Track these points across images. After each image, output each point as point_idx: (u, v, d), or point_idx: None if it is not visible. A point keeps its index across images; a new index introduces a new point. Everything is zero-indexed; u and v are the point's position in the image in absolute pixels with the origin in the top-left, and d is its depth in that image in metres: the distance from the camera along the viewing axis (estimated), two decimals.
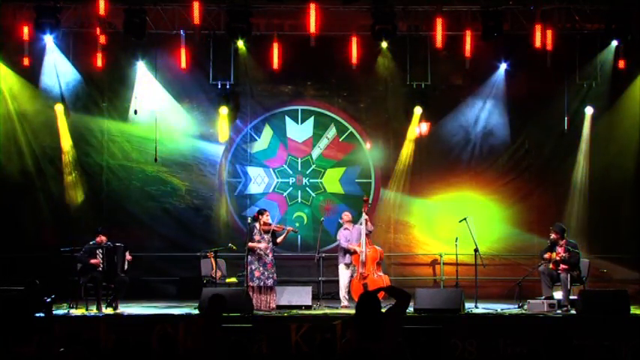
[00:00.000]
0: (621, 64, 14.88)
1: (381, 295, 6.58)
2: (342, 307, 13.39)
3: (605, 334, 10.97)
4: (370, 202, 15.81)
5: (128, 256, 13.10)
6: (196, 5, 13.95)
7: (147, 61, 15.57)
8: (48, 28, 14.17)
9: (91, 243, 12.96)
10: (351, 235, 13.68)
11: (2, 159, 15.56)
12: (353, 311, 12.73)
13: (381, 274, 13.55)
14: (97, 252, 12.79)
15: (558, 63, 14.84)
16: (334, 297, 14.35)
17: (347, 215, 13.92)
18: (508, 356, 10.77)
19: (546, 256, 12.96)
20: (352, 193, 16.05)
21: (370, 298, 6.47)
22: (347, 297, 13.56)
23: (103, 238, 12.92)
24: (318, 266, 14.28)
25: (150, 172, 16.05)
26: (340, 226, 13.93)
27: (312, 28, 14.11)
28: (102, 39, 14.40)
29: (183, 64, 14.97)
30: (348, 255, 13.60)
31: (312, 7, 14.00)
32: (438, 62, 15.48)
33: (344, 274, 13.66)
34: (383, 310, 6.27)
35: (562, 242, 12.87)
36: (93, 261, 12.67)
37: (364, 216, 13.61)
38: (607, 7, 14.21)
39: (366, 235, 13.54)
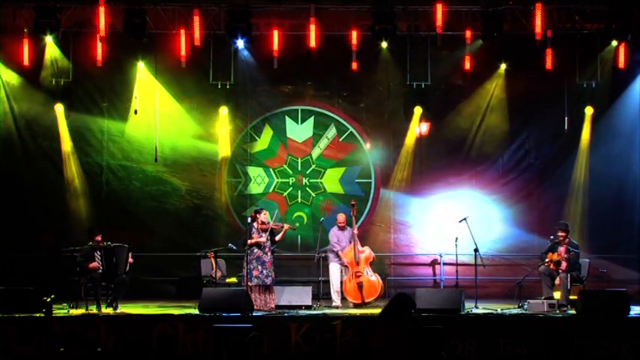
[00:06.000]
0: (621, 64, 14.87)
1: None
2: (333, 306, 13.48)
3: (605, 334, 10.99)
4: (370, 201, 15.93)
5: (130, 259, 13.09)
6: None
7: (147, 61, 15.58)
8: (48, 28, 14.14)
9: (88, 244, 12.94)
10: (343, 235, 13.85)
11: (2, 159, 15.55)
12: (349, 311, 12.93)
13: (373, 273, 13.71)
14: (95, 254, 12.77)
15: (558, 63, 14.83)
16: None
17: (342, 216, 14.06)
18: (508, 356, 10.77)
19: (547, 259, 12.97)
20: (352, 193, 16.04)
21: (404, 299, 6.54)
22: (339, 296, 13.67)
23: (98, 238, 12.89)
24: (318, 266, 14.27)
25: (150, 172, 16.05)
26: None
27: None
28: (102, 38, 14.37)
29: (183, 65, 14.97)
30: (338, 255, 13.77)
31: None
32: (438, 62, 15.48)
33: (335, 274, 13.78)
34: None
35: (565, 242, 12.90)
36: (91, 266, 12.64)
37: (355, 229, 13.79)
38: (607, 7, 14.20)
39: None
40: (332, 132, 16.30)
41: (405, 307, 6.73)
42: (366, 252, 13.76)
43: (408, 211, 16.18)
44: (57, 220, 15.64)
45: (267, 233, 13.01)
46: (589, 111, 15.60)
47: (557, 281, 12.82)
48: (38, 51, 15.05)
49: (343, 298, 13.64)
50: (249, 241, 12.86)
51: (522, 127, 16.08)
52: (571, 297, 12.64)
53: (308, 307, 12.93)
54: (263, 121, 16.34)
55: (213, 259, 13.91)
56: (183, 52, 14.74)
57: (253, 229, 12.98)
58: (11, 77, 15.47)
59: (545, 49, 14.54)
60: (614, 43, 14.70)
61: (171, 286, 15.63)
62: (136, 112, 15.42)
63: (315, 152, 16.30)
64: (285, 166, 16.32)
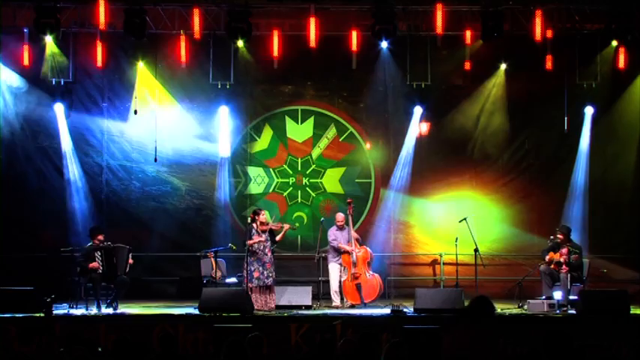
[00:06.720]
0: (621, 64, 14.87)
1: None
2: (333, 306, 13.48)
3: (605, 334, 10.98)
4: (370, 201, 15.92)
5: (130, 261, 13.09)
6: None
7: (147, 61, 15.57)
8: (48, 28, 14.12)
9: (88, 244, 12.94)
10: (341, 235, 13.83)
11: (2, 159, 15.55)
12: (349, 311, 12.92)
13: (372, 273, 13.68)
14: (96, 254, 12.77)
15: (558, 63, 14.84)
16: None
17: (340, 215, 14.04)
18: (508, 356, 10.76)
19: (547, 257, 12.96)
20: (352, 193, 16.03)
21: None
22: (338, 296, 13.68)
23: (100, 238, 12.90)
24: (318, 266, 14.28)
25: (150, 172, 16.06)
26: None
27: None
28: (101, 33, 14.36)
29: (184, 64, 14.96)
30: (338, 254, 13.72)
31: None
32: (438, 62, 15.46)
33: (334, 274, 13.77)
34: None
35: (567, 243, 12.90)
36: (92, 265, 12.65)
37: (352, 230, 13.80)
38: (607, 7, 14.20)
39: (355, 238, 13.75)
40: (332, 132, 16.31)
41: (489, 308, 6.82)
42: (362, 252, 13.72)
43: (408, 211, 16.18)
44: (57, 220, 15.62)
45: (267, 234, 13.01)
46: (589, 111, 15.60)
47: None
48: (38, 51, 15.02)
49: (342, 299, 13.62)
50: (248, 242, 12.86)
51: (522, 127, 16.09)
52: (571, 297, 12.64)
53: (308, 307, 12.93)
54: (263, 121, 16.34)
55: (213, 259, 13.91)
56: (183, 52, 14.74)
57: (253, 231, 12.98)
58: (11, 77, 15.46)
59: (545, 50, 14.53)
60: (614, 43, 14.69)
61: (171, 286, 15.64)
62: (135, 112, 15.41)
63: (315, 152, 16.31)
64: (285, 166, 16.32)
